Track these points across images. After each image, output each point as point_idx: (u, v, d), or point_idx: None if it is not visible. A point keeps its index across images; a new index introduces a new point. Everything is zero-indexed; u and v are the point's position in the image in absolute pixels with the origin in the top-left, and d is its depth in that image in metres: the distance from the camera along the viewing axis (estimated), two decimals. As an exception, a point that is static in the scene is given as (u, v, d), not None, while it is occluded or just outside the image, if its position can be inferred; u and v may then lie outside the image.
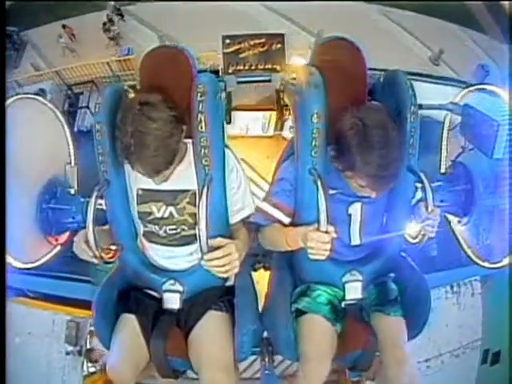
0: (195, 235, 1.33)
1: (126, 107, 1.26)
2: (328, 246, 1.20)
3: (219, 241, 1.27)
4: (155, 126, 1.21)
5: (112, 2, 6.59)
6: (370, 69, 1.44)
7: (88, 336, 3.08)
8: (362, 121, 1.23)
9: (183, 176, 1.38)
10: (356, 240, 1.47)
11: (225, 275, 1.28)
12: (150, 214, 1.42)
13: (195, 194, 1.38)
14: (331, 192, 1.37)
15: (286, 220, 1.43)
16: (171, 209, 1.41)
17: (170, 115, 1.25)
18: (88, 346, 2.99)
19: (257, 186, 3.66)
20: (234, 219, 1.45)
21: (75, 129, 5.24)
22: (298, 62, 4.77)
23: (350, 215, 1.43)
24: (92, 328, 3.03)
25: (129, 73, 5.99)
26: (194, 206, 1.36)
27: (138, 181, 1.41)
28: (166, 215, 1.42)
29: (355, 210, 1.43)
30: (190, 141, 1.37)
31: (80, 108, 5.78)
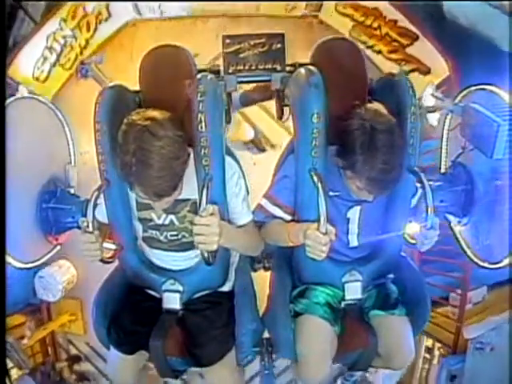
0: None
1: (130, 123, 1.17)
2: (325, 248, 1.20)
3: (212, 208, 1.19)
4: (160, 143, 1.13)
5: None
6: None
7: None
8: (370, 124, 1.24)
9: (184, 185, 1.32)
10: (354, 242, 1.47)
11: (200, 247, 1.19)
12: (151, 220, 1.41)
13: (196, 202, 1.35)
14: (330, 194, 1.36)
15: (288, 218, 1.43)
16: (172, 217, 1.40)
17: (177, 135, 1.17)
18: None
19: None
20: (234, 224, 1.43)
21: (10, 41, 3.59)
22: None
23: (348, 219, 1.43)
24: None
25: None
26: (195, 214, 1.31)
27: None
28: (166, 222, 1.41)
29: (353, 213, 1.43)
30: (191, 149, 1.31)
31: (16, 8, 3.60)
